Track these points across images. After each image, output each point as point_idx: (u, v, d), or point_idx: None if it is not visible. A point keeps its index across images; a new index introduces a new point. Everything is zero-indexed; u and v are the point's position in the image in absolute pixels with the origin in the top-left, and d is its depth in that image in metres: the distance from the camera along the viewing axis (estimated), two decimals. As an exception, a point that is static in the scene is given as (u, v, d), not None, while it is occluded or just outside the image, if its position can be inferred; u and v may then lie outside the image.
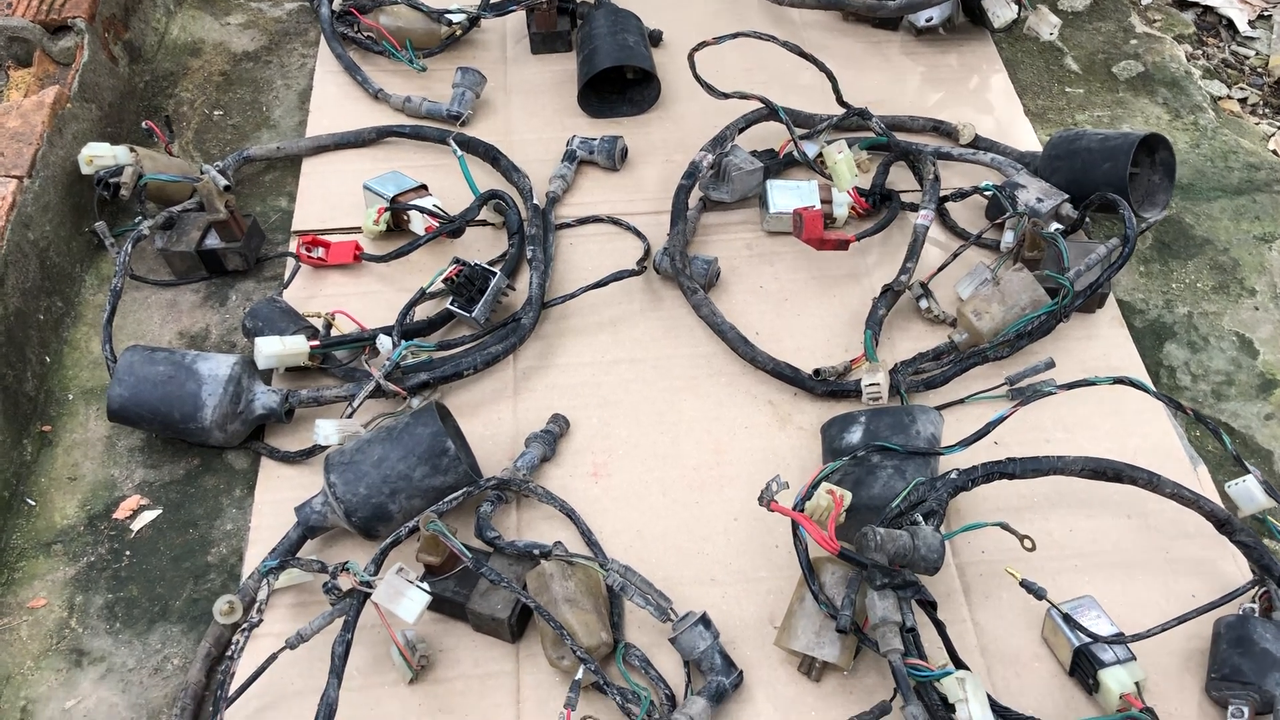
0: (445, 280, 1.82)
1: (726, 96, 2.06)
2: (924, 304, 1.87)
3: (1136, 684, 1.38)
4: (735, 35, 1.99)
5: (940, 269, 1.90)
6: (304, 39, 2.48)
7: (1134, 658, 1.40)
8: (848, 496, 1.43)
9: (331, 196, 2.12)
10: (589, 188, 2.15)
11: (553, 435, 1.73)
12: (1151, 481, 1.53)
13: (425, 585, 1.40)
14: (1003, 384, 1.77)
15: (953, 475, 1.51)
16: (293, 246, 2.00)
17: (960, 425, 1.71)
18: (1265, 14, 2.63)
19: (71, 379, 1.86)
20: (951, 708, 1.30)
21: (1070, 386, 1.62)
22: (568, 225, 2.07)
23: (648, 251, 1.99)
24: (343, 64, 2.34)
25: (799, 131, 2.09)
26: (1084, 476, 1.54)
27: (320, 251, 1.97)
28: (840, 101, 2.09)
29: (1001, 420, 1.57)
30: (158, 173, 1.95)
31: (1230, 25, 2.62)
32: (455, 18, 2.34)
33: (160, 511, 1.69)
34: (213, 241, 1.96)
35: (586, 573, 1.50)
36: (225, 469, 1.75)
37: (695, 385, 1.83)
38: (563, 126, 2.25)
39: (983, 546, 1.60)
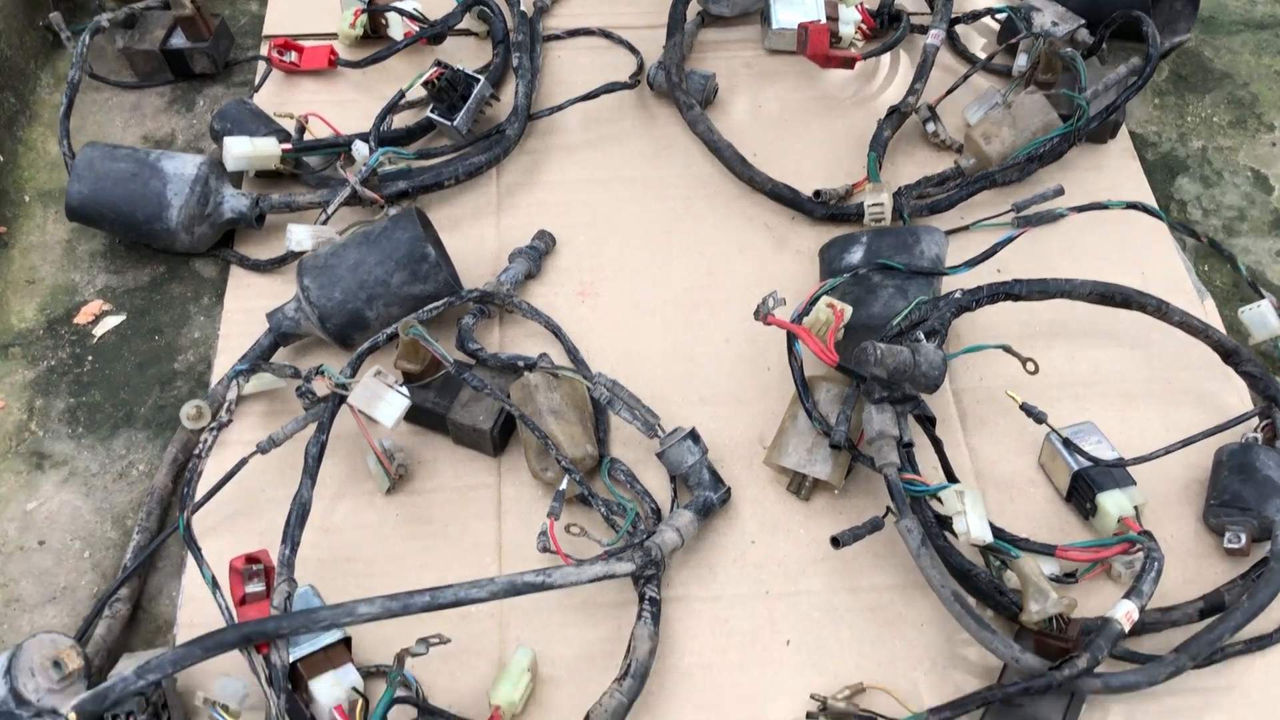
0: (425, 83, 1.71)
1: (728, -94, 1.93)
2: (931, 128, 1.79)
3: (1135, 508, 1.34)
4: None
5: (949, 91, 1.80)
6: None
7: (1134, 482, 1.37)
8: (848, 310, 1.37)
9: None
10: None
11: (538, 251, 1.65)
12: (1160, 309, 1.48)
13: (404, 390, 1.34)
14: (1009, 210, 1.69)
15: (957, 295, 1.45)
16: (264, 51, 1.88)
17: (964, 252, 1.63)
18: None
19: (28, 180, 1.76)
20: (945, 523, 1.27)
21: (1081, 209, 1.55)
22: (556, 37, 1.95)
23: (641, 65, 1.88)
24: None
25: (805, -55, 1.96)
26: (1091, 301, 1.48)
27: (293, 56, 1.85)
28: (849, -87, 1.96)
29: (1009, 241, 1.51)
30: (117, -40, 1.82)
31: None
32: None
33: (124, 318, 1.62)
34: (178, 41, 1.84)
35: (572, 386, 1.44)
36: (193, 276, 1.67)
37: (689, 206, 1.75)
38: (553, -65, 2.11)
39: (981, 374, 1.55)
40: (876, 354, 1.29)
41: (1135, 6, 1.77)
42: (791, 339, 1.38)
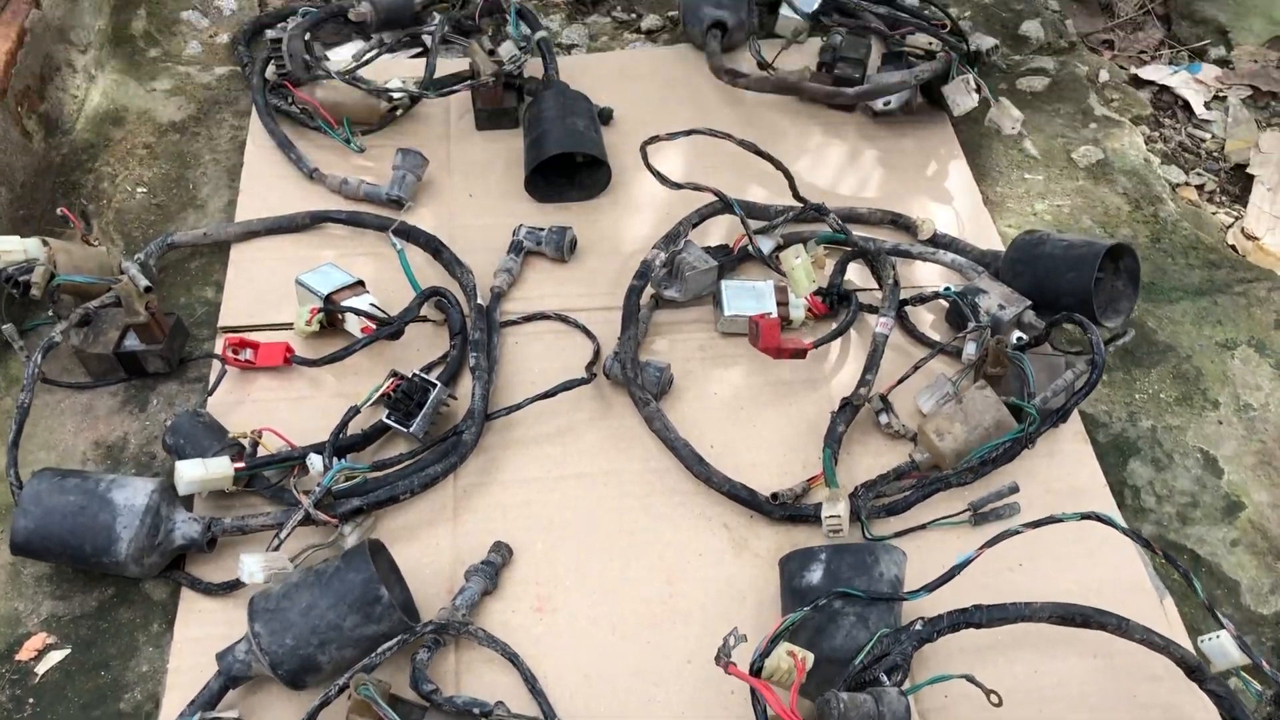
0: (382, 395, 1.72)
1: (679, 187, 1.98)
2: (884, 419, 1.80)
3: None
4: (690, 132, 1.91)
5: (900, 381, 1.83)
6: (234, 108, 2.35)
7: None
8: (809, 659, 1.35)
9: (261, 288, 2.00)
10: (536, 280, 2.05)
11: (494, 566, 1.63)
12: (1120, 626, 1.47)
13: (355, 760, 1.30)
14: (965, 510, 1.70)
15: (918, 626, 1.44)
16: (218, 347, 1.88)
17: (922, 553, 1.64)
18: (1220, 95, 2.60)
19: (-27, 497, 1.73)
20: None
21: (1036, 525, 1.55)
22: (513, 322, 1.97)
23: (597, 353, 1.89)
24: (275, 140, 2.21)
25: (754, 225, 2.01)
26: (1051, 623, 1.47)
27: (248, 353, 1.85)
28: (797, 196, 2.02)
29: (967, 563, 1.50)
30: (72, 274, 1.81)
31: (1186, 106, 2.59)
32: (396, 95, 2.22)
33: (69, 651, 1.57)
34: (132, 343, 1.83)
35: (531, 733, 1.41)
36: (142, 600, 1.63)
37: (647, 505, 1.74)
38: (509, 211, 2.15)
39: (945, 691, 1.53)
40: (840, 708, 1.27)
41: (1079, 293, 1.82)
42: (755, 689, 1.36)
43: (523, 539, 1.69)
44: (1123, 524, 1.58)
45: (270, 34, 2.26)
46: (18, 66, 2.06)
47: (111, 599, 1.63)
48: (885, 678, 1.37)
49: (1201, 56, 2.74)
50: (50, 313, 1.87)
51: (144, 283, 1.80)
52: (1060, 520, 1.55)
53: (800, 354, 1.83)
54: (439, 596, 1.61)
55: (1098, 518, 1.57)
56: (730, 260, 2.02)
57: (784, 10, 2.45)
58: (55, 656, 1.56)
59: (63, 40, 2.24)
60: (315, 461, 1.67)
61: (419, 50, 2.49)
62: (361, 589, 1.44)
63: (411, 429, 1.72)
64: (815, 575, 1.54)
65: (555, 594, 1.63)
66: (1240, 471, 1.81)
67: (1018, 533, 1.55)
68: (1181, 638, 1.59)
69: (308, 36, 2.22)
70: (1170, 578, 1.68)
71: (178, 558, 1.64)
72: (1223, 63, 2.70)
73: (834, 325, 1.92)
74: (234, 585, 1.60)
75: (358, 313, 1.85)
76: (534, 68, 2.36)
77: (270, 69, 2.27)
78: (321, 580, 1.46)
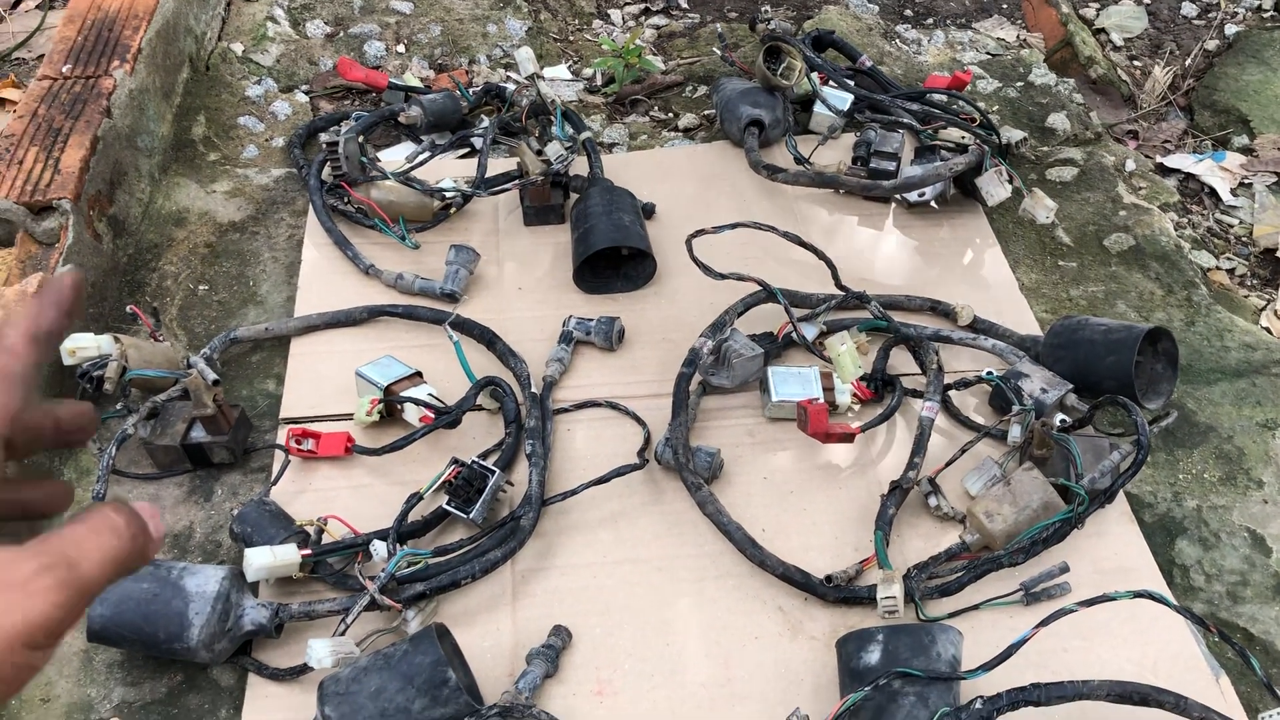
0: (443, 483, 1.77)
1: (723, 277, 2.04)
2: (933, 501, 1.83)
3: None
4: (734, 226, 1.98)
5: (948, 464, 1.86)
6: (291, 208, 2.44)
7: None
8: (873, 738, 1.37)
9: (321, 380, 2.07)
10: (586, 369, 2.11)
11: (555, 650, 1.65)
12: (1179, 705, 1.48)
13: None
14: (1017, 590, 1.72)
15: (977, 705, 1.46)
16: (281, 437, 1.94)
17: (976, 633, 1.67)
18: (1246, 181, 2.67)
19: (47, 586, 1.77)
20: None
21: (1090, 603, 1.57)
22: (565, 410, 2.02)
23: (648, 439, 1.94)
24: (332, 238, 2.30)
25: (798, 313, 2.07)
26: (1110, 701, 1.49)
27: (310, 444, 1.91)
28: (839, 285, 2.08)
29: (1023, 643, 1.52)
30: (142, 368, 1.89)
31: (1213, 193, 2.65)
32: (449, 194, 2.32)
33: (139, 739, 1.60)
34: (198, 434, 1.89)
35: (597, 815, 1.42)
36: (210, 686, 1.66)
37: (701, 589, 1.77)
38: (558, 303, 2.22)
39: (1007, 772, 1.54)
40: (905, 787, 1.29)
41: (1119, 376, 1.86)
42: (818, 767, 1.38)
43: (581, 623, 1.72)
44: (1175, 602, 1.60)
45: (324, 137, 2.36)
46: (90, 173, 2.15)
47: (180, 685, 1.66)
48: (948, 758, 1.39)
49: (1225, 145, 2.81)
50: (120, 405, 1.94)
51: (212, 376, 1.87)
52: (1113, 599, 1.57)
53: (848, 438, 1.88)
54: (500, 680, 1.63)
55: (1150, 596, 1.59)
56: (775, 347, 2.07)
57: (818, 107, 2.55)
58: (126, 744, 1.60)
59: (130, 146, 2.35)
60: (379, 548, 1.71)
61: (466, 151, 2.59)
62: (429, 671, 1.48)
63: (471, 515, 1.76)
64: (873, 656, 1.56)
65: (615, 678, 1.66)
66: (1289, 550, 1.82)
67: (1072, 611, 1.57)
68: (1239, 716, 1.60)
69: (360, 139, 2.33)
70: (1224, 656, 1.69)
71: (244, 644, 1.68)
72: (1246, 151, 2.77)
73: (880, 410, 1.97)
74: (301, 670, 1.63)
75: (417, 402, 1.90)
76: (579, 166, 2.46)
77: (326, 170, 2.37)
78: (390, 663, 1.50)
